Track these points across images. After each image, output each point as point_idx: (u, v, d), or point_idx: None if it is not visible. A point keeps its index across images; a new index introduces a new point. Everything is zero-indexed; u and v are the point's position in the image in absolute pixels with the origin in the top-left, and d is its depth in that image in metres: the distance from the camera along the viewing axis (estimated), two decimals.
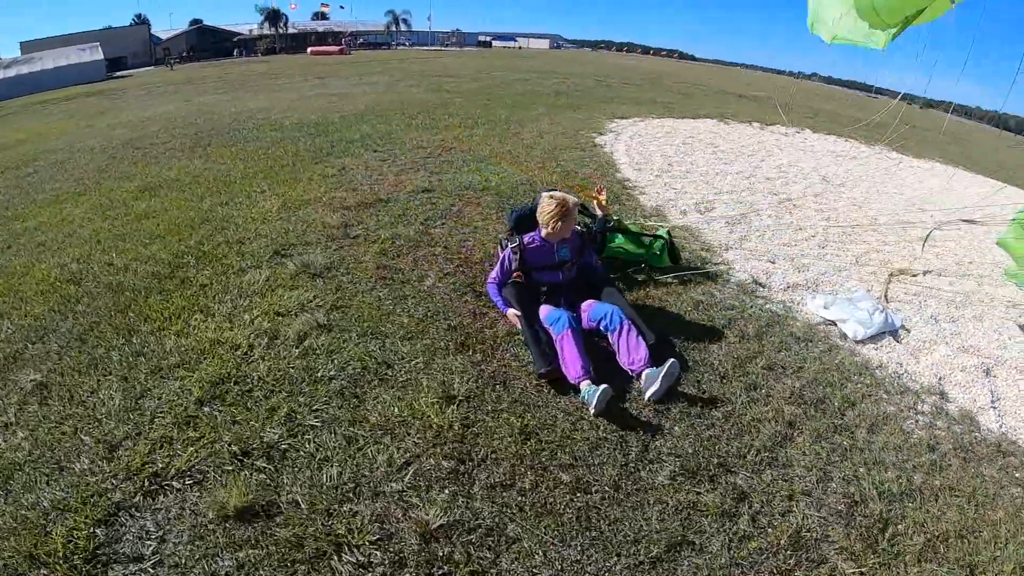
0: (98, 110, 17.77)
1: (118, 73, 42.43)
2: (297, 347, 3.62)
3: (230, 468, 2.72)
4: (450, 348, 3.72)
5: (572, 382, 3.35)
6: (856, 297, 4.79)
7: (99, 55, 44.41)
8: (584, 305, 3.86)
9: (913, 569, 2.63)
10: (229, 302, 4.15)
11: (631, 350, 3.50)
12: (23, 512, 2.49)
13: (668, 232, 5.09)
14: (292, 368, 3.42)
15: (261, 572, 2.28)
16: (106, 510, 2.51)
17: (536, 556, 2.45)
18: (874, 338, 4.40)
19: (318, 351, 3.59)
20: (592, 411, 3.16)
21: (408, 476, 2.74)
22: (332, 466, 2.75)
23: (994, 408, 3.85)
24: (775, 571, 2.54)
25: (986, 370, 4.25)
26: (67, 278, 4.61)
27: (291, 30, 72.62)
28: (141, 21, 65.54)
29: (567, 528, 2.59)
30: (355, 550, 2.39)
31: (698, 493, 2.85)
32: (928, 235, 6.01)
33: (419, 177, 7.32)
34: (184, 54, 56.38)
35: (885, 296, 5.10)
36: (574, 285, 4.05)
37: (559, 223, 3.80)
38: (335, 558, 2.36)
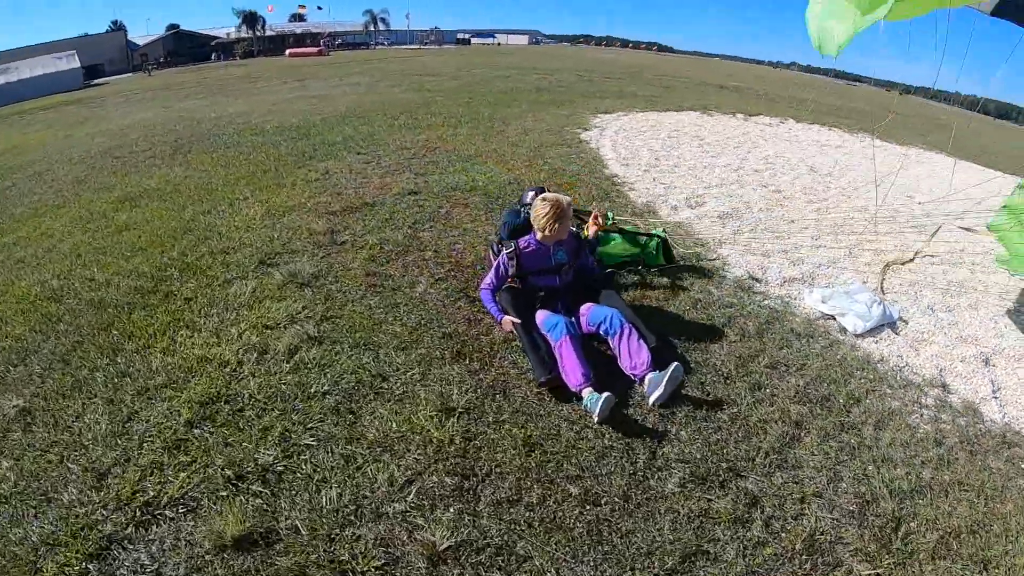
0: (77, 119, 17.40)
1: (96, 81, 41.63)
2: (288, 362, 3.49)
3: (224, 494, 2.60)
4: (446, 357, 3.62)
5: (573, 390, 3.26)
6: (853, 290, 4.75)
7: (76, 63, 43.55)
8: (583, 309, 3.77)
9: (928, 568, 2.60)
10: (215, 316, 4.02)
11: (633, 354, 3.42)
12: (11, 548, 2.37)
13: (663, 231, 5.02)
14: (284, 384, 3.30)
15: None
16: (98, 543, 2.39)
17: (548, 575, 2.37)
18: (873, 331, 4.37)
19: (310, 365, 3.47)
20: (595, 419, 3.08)
21: (411, 495, 2.64)
22: (331, 488, 2.64)
23: (996, 399, 3.85)
24: None
25: (985, 360, 4.25)
26: (48, 295, 4.45)
27: (269, 32, 71.69)
28: (117, 27, 64.41)
29: (578, 543, 2.51)
30: None
31: (709, 500, 2.78)
32: (935, 232, 5.97)
33: (404, 179, 7.19)
34: (162, 60, 55.53)
35: (881, 288, 5.07)
36: (571, 288, 3.95)
37: (555, 224, 3.71)
38: None
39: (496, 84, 19.23)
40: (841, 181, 8.90)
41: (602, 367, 3.49)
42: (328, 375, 3.38)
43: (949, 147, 11.88)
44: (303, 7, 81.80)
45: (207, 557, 2.33)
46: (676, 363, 3.26)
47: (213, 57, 58.24)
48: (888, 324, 4.48)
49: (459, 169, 7.71)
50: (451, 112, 12.55)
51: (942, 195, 8.25)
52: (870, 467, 3.09)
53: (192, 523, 2.48)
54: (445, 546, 2.40)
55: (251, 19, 68.94)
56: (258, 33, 69.69)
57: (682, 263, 5.04)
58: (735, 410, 3.35)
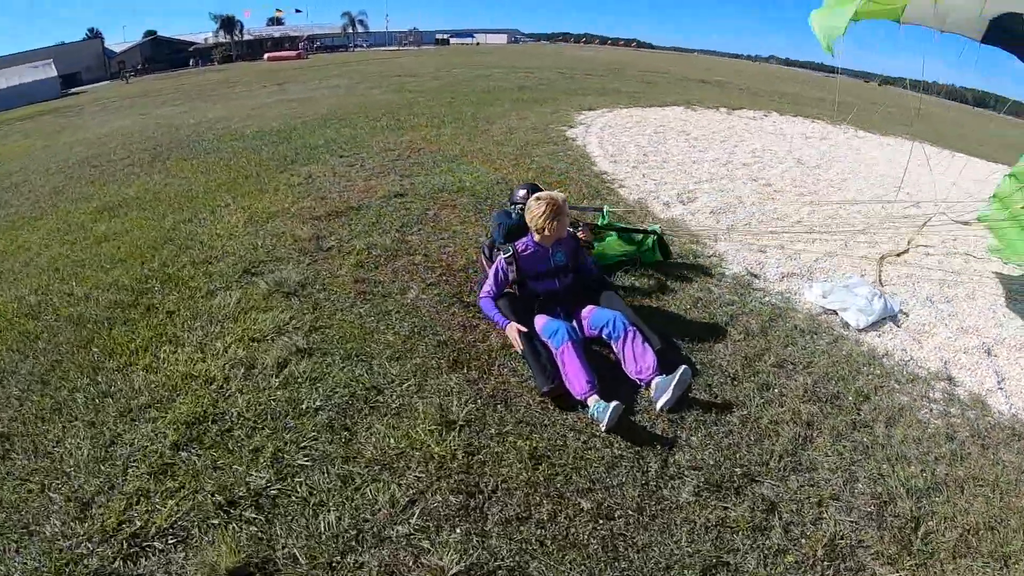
0: (54, 128, 16.98)
1: (73, 90, 40.68)
2: (277, 376, 3.32)
3: (216, 522, 2.44)
4: (443, 366, 3.47)
5: (578, 398, 3.13)
6: (852, 283, 4.68)
7: (53, 72, 42.70)
8: (584, 312, 3.63)
9: (949, 567, 2.54)
10: (199, 329, 3.84)
11: (638, 358, 3.30)
12: None
13: (659, 227, 4.92)
14: (274, 401, 3.13)
15: None
16: None
17: None
18: (875, 325, 4.30)
19: (300, 379, 3.30)
20: (603, 428, 2.95)
21: (415, 517, 2.49)
22: (329, 511, 2.49)
23: (1001, 389, 3.81)
24: None
25: (987, 350, 4.22)
26: (25, 312, 4.24)
27: (247, 37, 70.88)
28: (94, 35, 63.24)
29: (594, 561, 2.39)
30: None
31: (725, 508, 2.67)
32: (925, 223, 5.93)
33: (389, 181, 7.02)
34: (139, 67, 54.60)
35: (880, 280, 5.01)
36: (570, 291, 3.81)
37: (553, 222, 3.55)
38: None
39: (477, 83, 19.07)
40: (829, 173, 8.88)
41: (605, 371, 3.38)
42: (320, 389, 3.22)
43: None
44: (280, 11, 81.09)
45: None
46: (684, 366, 3.14)
47: (191, 63, 57.25)
48: (889, 317, 4.42)
49: (445, 170, 7.55)
50: (434, 112, 12.37)
51: (930, 186, 8.23)
52: (884, 466, 3.01)
53: (183, 555, 2.32)
54: (454, 571, 2.26)
55: (228, 24, 68.14)
56: (236, 38, 68.87)
57: (679, 260, 4.94)
58: (745, 412, 3.24)
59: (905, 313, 4.54)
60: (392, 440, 2.87)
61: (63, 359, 3.62)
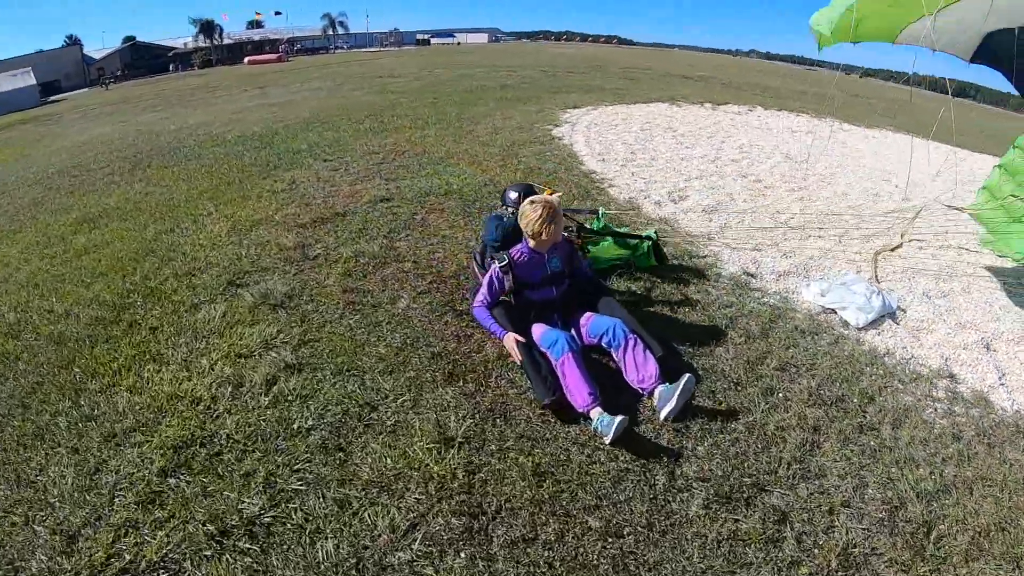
0: (34, 138, 16.58)
1: (52, 97, 39.87)
2: (266, 395, 3.19)
3: (209, 553, 2.32)
4: (437, 380, 3.35)
5: (580, 411, 3.03)
6: (849, 280, 4.63)
7: (31, 80, 41.80)
8: (582, 319, 3.53)
9: (963, 571, 2.50)
10: (184, 346, 3.70)
11: (639, 367, 3.20)
12: None
13: (655, 232, 4.83)
14: (264, 421, 3.00)
15: None
16: None
17: None
18: (875, 323, 4.26)
19: (290, 397, 3.17)
20: (607, 441, 2.86)
21: (416, 542, 2.38)
22: (327, 539, 2.37)
23: (1003, 385, 3.78)
24: None
25: (986, 345, 4.21)
26: (4, 331, 4.06)
27: (227, 41, 69.81)
28: (73, 42, 62.03)
29: None
30: None
31: (736, 520, 2.59)
32: (916, 216, 5.91)
33: (375, 185, 6.88)
34: (119, 73, 53.67)
35: (876, 277, 4.97)
36: (567, 298, 3.70)
37: (550, 226, 3.41)
38: None
39: (460, 83, 18.92)
40: (818, 167, 8.87)
41: (606, 380, 3.28)
42: (311, 407, 3.09)
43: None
44: (260, 14, 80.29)
45: None
46: (688, 375, 3.04)
47: (171, 68, 56.58)
48: (888, 314, 4.38)
49: (431, 172, 7.43)
50: (417, 113, 12.23)
51: (918, 177, 8.24)
52: (893, 469, 2.96)
53: None
54: None
55: (208, 28, 67.18)
56: (216, 42, 67.87)
57: (674, 262, 4.86)
58: (751, 419, 3.16)
59: (903, 309, 4.51)
60: (389, 460, 2.76)
61: (44, 380, 3.46)
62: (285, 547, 2.35)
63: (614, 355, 3.33)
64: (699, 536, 2.51)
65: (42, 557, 2.32)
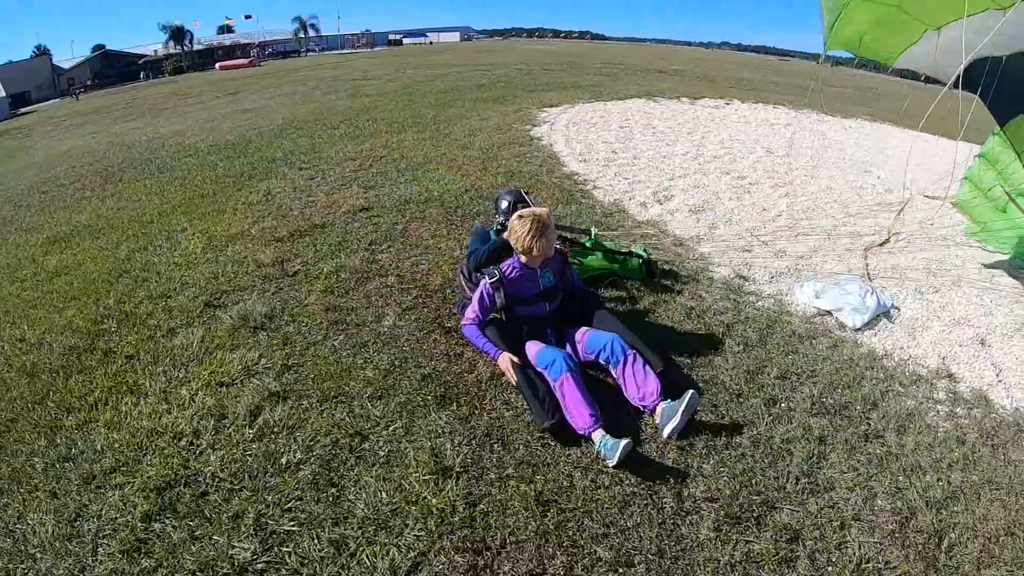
0: (4, 153, 16.04)
1: (22, 110, 38.91)
2: (251, 427, 3.03)
3: None
4: (430, 404, 3.20)
5: (581, 433, 2.91)
6: (842, 280, 4.59)
7: (0, 92, 40.91)
8: (578, 335, 3.40)
9: None
10: (162, 375, 3.51)
11: (640, 384, 3.09)
12: None
13: (645, 249, 4.71)
14: (250, 456, 2.84)
15: None
16: None
17: None
18: (870, 323, 4.21)
19: (276, 429, 3.01)
20: (612, 464, 2.75)
21: None
22: None
23: (1001, 382, 3.75)
24: None
25: (981, 341, 4.19)
26: None
27: (197, 47, 68.78)
28: (42, 52, 61.10)
29: None
30: None
31: (748, 542, 2.50)
32: (901, 208, 5.89)
33: (353, 194, 6.71)
34: (90, 82, 52.57)
35: (867, 275, 4.92)
36: (560, 313, 3.58)
37: (540, 240, 3.27)
38: None
39: (435, 84, 18.72)
40: (800, 161, 8.86)
41: (604, 397, 3.16)
42: (299, 439, 2.93)
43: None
44: (230, 19, 79.13)
45: None
46: (691, 391, 2.94)
47: (142, 76, 55.42)
48: (883, 313, 4.33)
49: (410, 179, 7.28)
50: (393, 117, 12.03)
51: (902, 168, 8.26)
52: (901, 478, 2.90)
53: None
54: None
55: (178, 34, 66.14)
56: (186, 48, 66.88)
57: (665, 267, 4.77)
58: (755, 432, 3.07)
59: (897, 308, 4.47)
60: (384, 494, 2.62)
61: (18, 418, 3.25)
62: None
63: (612, 372, 3.22)
64: (711, 561, 2.41)
65: None
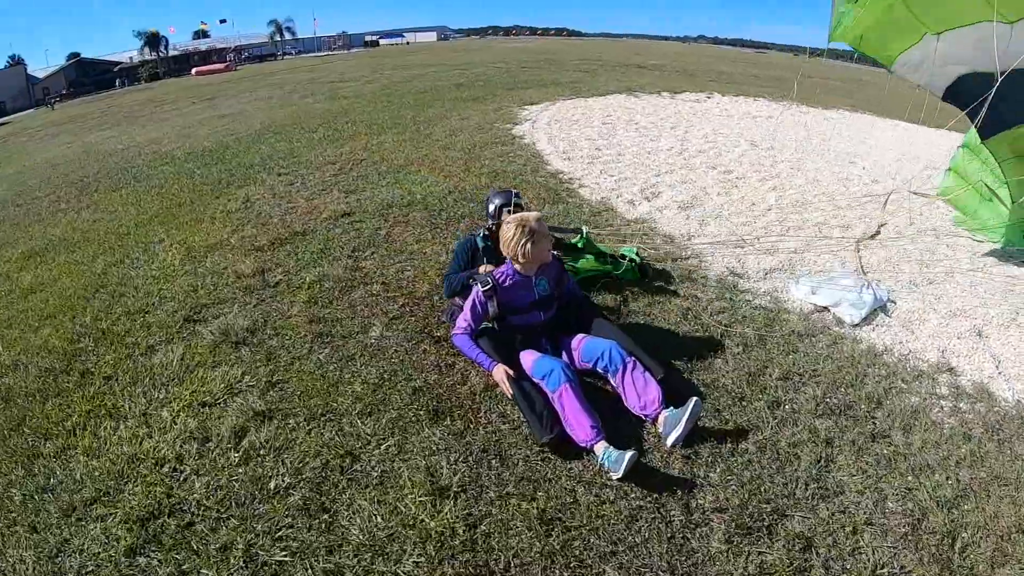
0: None
1: None
2: (236, 449, 2.88)
3: None
4: (422, 419, 3.07)
5: (582, 446, 2.80)
6: (837, 275, 4.53)
7: None
8: (574, 342, 3.28)
9: None
10: (141, 396, 3.35)
11: (640, 392, 2.98)
12: None
13: (636, 252, 4.61)
14: (236, 481, 2.70)
15: None
16: None
17: None
18: (868, 317, 4.15)
19: (263, 451, 2.87)
20: (617, 477, 2.64)
21: None
22: None
23: (1001, 374, 3.70)
24: None
25: (978, 332, 4.14)
26: None
27: (173, 52, 67.92)
28: (16, 62, 60.03)
29: None
30: None
31: (760, 553, 2.41)
32: (886, 202, 5.85)
33: (334, 199, 6.55)
34: (65, 91, 51.68)
35: (861, 268, 4.87)
36: (555, 321, 3.44)
37: (528, 246, 3.11)
38: None
39: (413, 84, 18.52)
40: (785, 153, 8.82)
41: (603, 405, 3.05)
42: (287, 462, 2.79)
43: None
44: (205, 24, 78.27)
45: None
46: (695, 399, 2.82)
47: (118, 83, 54.60)
48: (879, 307, 4.27)
49: (392, 182, 7.12)
50: (372, 119, 11.83)
51: (886, 159, 8.26)
52: (910, 478, 2.83)
53: None
54: None
55: (154, 40, 65.11)
56: (162, 54, 65.90)
57: (658, 266, 4.67)
58: (761, 436, 2.98)
59: (893, 301, 4.41)
60: (380, 518, 2.49)
61: None
62: None
63: (611, 380, 3.10)
64: (724, 575, 2.32)
65: None
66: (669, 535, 2.45)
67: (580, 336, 3.30)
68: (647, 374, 3.03)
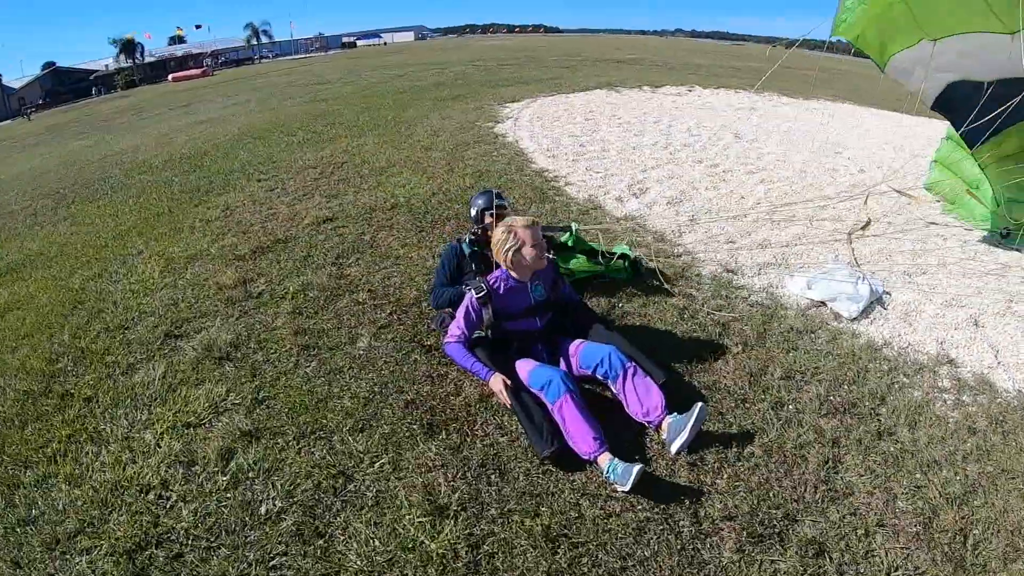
0: None
1: None
2: (223, 472, 2.75)
3: None
4: (416, 434, 2.96)
5: (585, 459, 2.70)
6: (832, 269, 4.48)
7: None
8: (571, 348, 3.17)
9: (1003, 575, 2.33)
10: (123, 418, 3.21)
11: (643, 398, 2.89)
12: None
13: (629, 248, 4.53)
14: (225, 507, 2.57)
15: None
16: None
17: None
18: (865, 310, 4.11)
19: (252, 473, 2.74)
20: (624, 490, 2.55)
21: None
22: None
23: (1000, 364, 3.68)
24: None
25: (975, 321, 4.12)
26: None
27: (149, 59, 67.05)
28: None
29: None
30: None
31: (773, 561, 2.33)
32: (867, 197, 5.81)
33: (315, 204, 6.39)
34: (41, 101, 50.78)
35: (855, 261, 4.82)
36: (551, 328, 3.34)
37: (518, 255, 3.05)
38: None
39: (392, 84, 18.30)
40: (769, 145, 8.78)
41: (604, 412, 2.96)
42: (277, 484, 2.67)
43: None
44: (180, 29, 77.23)
45: None
46: (700, 404, 2.73)
47: (94, 92, 53.73)
48: (876, 300, 4.23)
49: (374, 185, 6.97)
50: (352, 120, 11.62)
51: (870, 148, 8.26)
52: (918, 475, 2.77)
53: None
54: None
55: (129, 47, 64.16)
56: (138, 61, 64.99)
57: (651, 264, 4.59)
58: (766, 439, 2.91)
59: (888, 293, 4.38)
60: (377, 542, 2.37)
61: None
62: None
63: (612, 387, 3.01)
64: None
65: None
66: (679, 547, 2.37)
67: (578, 341, 3.20)
68: (649, 379, 2.94)
